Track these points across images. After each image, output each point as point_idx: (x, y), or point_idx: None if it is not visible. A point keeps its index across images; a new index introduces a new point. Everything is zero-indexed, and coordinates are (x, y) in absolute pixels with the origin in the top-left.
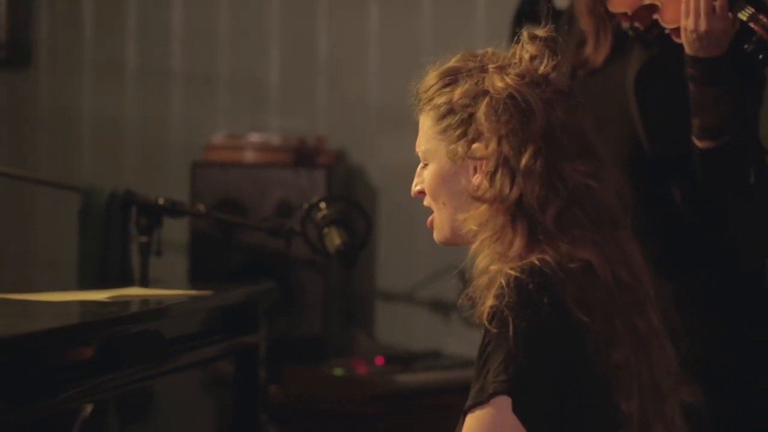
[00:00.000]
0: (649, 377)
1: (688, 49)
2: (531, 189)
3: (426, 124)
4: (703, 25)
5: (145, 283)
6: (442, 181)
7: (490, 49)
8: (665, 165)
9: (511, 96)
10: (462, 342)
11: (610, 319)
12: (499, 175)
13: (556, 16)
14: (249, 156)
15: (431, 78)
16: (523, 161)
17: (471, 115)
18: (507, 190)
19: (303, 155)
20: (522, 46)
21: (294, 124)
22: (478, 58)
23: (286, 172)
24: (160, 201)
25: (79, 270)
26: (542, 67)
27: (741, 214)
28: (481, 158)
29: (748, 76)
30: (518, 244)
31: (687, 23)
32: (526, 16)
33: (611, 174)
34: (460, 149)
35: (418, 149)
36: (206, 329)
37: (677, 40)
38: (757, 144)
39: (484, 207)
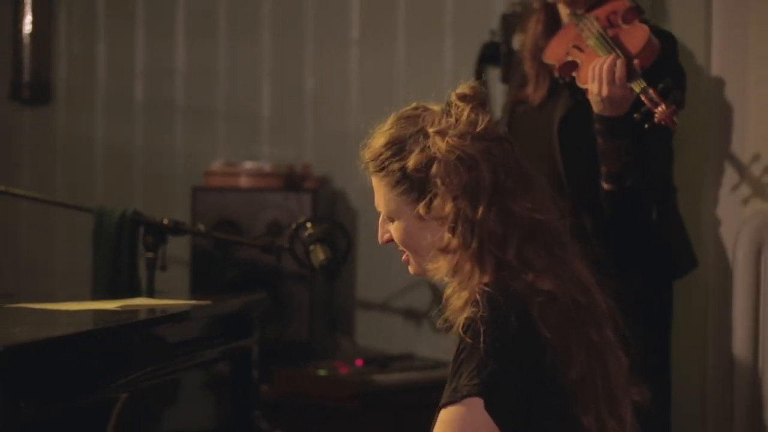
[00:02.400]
0: (605, 385)
1: (594, 108)
2: (489, 234)
3: (382, 188)
4: (605, 91)
5: (151, 294)
6: (411, 236)
7: (420, 106)
8: (580, 199)
9: (458, 158)
10: (432, 346)
11: (567, 342)
12: (459, 228)
13: (513, 56)
14: (244, 181)
15: (378, 148)
16: (479, 213)
17: (424, 179)
18: (469, 240)
19: (291, 181)
20: (455, 106)
21: (283, 153)
22: (415, 120)
23: (276, 195)
24: (165, 221)
25: (93, 282)
26: (480, 125)
27: (645, 244)
28: (442, 216)
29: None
30: (487, 280)
31: (592, 87)
32: (487, 58)
33: (550, 200)
34: (422, 210)
35: (379, 208)
36: (206, 335)
37: (589, 97)
38: (662, 183)
39: (450, 257)
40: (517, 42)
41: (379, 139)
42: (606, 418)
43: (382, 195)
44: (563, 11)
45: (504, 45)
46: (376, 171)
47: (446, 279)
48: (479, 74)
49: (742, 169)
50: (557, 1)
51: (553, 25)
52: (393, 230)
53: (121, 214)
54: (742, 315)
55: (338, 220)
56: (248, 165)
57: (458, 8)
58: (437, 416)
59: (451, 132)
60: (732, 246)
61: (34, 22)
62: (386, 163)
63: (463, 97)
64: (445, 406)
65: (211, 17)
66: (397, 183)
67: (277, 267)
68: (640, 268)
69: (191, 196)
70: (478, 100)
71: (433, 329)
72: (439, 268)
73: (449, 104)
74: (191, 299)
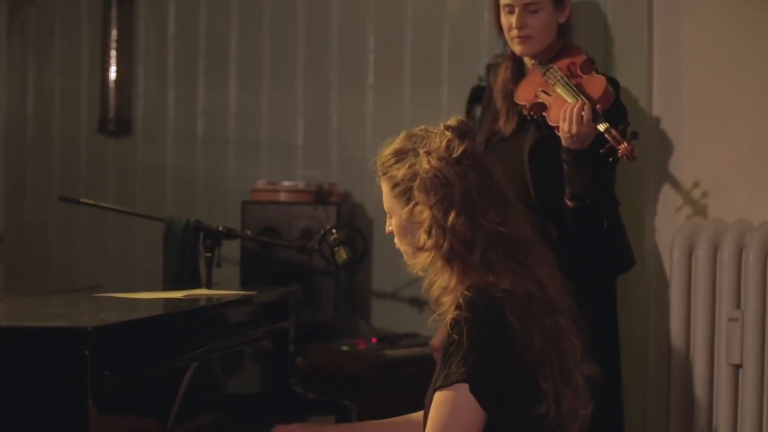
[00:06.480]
0: (560, 362)
1: (564, 142)
2: (458, 240)
3: (385, 188)
4: (574, 129)
5: (209, 286)
6: (401, 231)
7: (424, 129)
8: (546, 213)
9: (434, 176)
10: (432, 327)
11: (528, 324)
12: (433, 232)
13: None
14: (282, 196)
15: (385, 155)
16: (449, 221)
17: (409, 188)
18: (441, 243)
19: (320, 196)
20: (442, 134)
21: (314, 174)
22: (415, 140)
23: (308, 207)
24: (220, 228)
25: (163, 276)
26: (456, 152)
27: (598, 249)
28: (420, 221)
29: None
30: (455, 279)
31: (563, 126)
32: (475, 99)
33: (520, 212)
34: (404, 214)
35: (384, 206)
36: (252, 318)
37: (558, 133)
38: (611, 200)
39: (426, 254)
40: None
41: (386, 150)
42: (562, 389)
43: (385, 194)
44: (528, 61)
45: (488, 88)
46: (381, 174)
47: (421, 273)
48: (468, 112)
49: (676, 188)
50: (523, 55)
51: (518, 71)
52: (390, 224)
53: (185, 222)
54: (678, 307)
55: (358, 227)
56: (286, 184)
57: (452, 60)
58: (431, 396)
59: (434, 154)
60: (669, 249)
61: (118, 71)
62: (388, 169)
63: (447, 127)
64: (440, 389)
65: (256, 68)
66: (394, 187)
67: (308, 264)
68: (594, 266)
69: (241, 208)
70: (459, 131)
71: (432, 314)
72: (417, 264)
73: (441, 132)
74: (241, 290)
